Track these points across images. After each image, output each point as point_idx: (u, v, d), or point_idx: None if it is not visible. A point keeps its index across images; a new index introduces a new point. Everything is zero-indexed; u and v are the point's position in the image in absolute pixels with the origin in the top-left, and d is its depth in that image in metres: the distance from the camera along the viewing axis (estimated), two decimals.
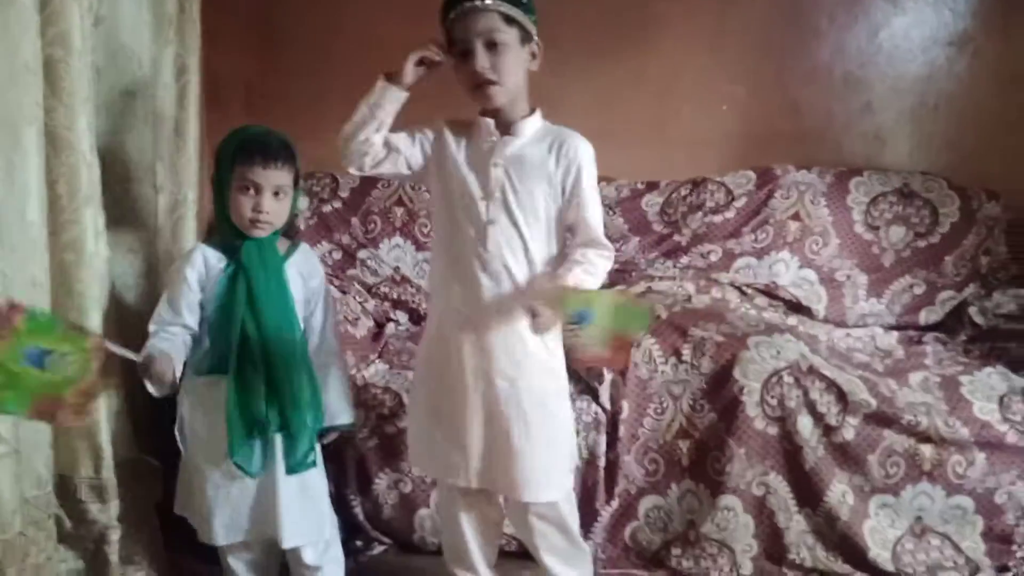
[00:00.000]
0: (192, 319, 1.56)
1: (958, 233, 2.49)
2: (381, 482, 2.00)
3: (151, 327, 1.54)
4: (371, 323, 2.40)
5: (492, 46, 1.46)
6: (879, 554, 1.93)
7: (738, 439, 1.96)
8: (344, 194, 2.59)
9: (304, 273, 1.68)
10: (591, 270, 1.51)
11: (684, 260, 2.54)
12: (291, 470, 1.58)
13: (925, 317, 2.47)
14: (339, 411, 1.68)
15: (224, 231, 1.60)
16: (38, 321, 1.29)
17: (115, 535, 1.65)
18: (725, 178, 2.62)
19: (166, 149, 2.17)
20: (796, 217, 2.53)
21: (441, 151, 1.56)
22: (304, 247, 1.73)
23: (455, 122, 1.59)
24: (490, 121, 1.53)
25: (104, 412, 1.61)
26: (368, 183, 2.60)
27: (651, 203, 2.64)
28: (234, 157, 1.54)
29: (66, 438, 1.59)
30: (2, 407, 1.29)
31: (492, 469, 1.56)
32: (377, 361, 2.12)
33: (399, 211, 2.57)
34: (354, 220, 2.56)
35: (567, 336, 1.47)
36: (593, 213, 1.55)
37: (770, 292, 2.48)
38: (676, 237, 2.58)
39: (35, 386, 1.29)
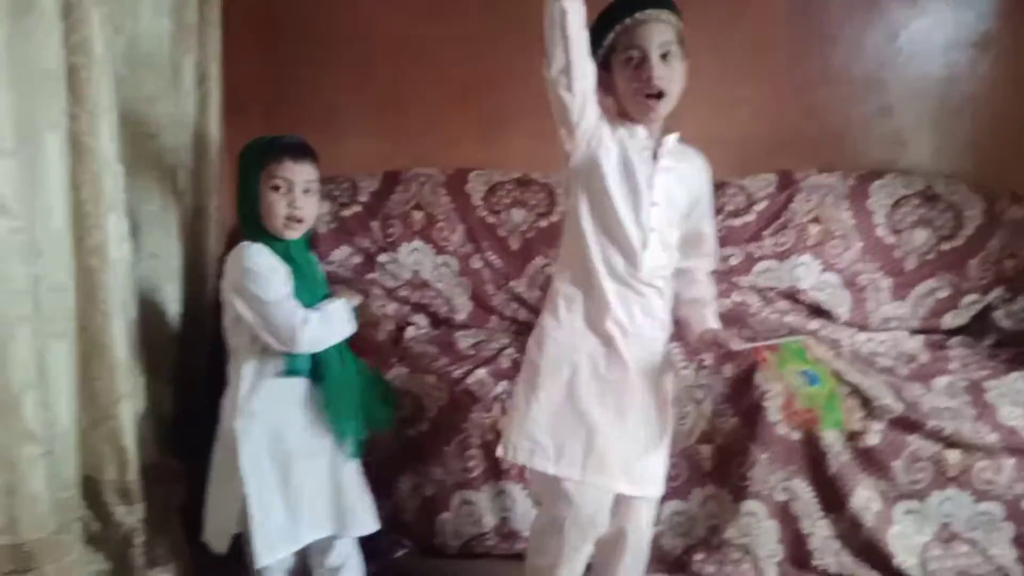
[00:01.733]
0: None
1: (982, 236, 2.46)
2: (403, 485, 2.00)
3: (302, 317, 1.51)
4: (391, 326, 2.40)
5: (664, 57, 1.45)
6: (905, 560, 1.91)
7: (761, 444, 1.94)
8: (363, 198, 2.59)
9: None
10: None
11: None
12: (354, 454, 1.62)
13: (950, 321, 2.44)
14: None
15: (265, 240, 1.57)
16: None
17: (140, 538, 1.65)
18: (745, 181, 2.60)
19: (187, 156, 2.19)
20: (817, 220, 2.51)
21: (605, 142, 1.49)
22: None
23: (609, 117, 1.53)
24: (643, 129, 1.52)
25: (129, 415, 1.62)
26: (388, 186, 2.61)
27: None
28: (262, 159, 1.55)
29: (92, 440, 1.60)
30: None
31: (638, 467, 1.54)
32: (398, 365, 2.12)
33: (418, 215, 2.57)
34: (373, 224, 2.56)
35: (791, 383, 1.48)
36: (713, 227, 1.65)
37: (792, 296, 2.46)
38: None
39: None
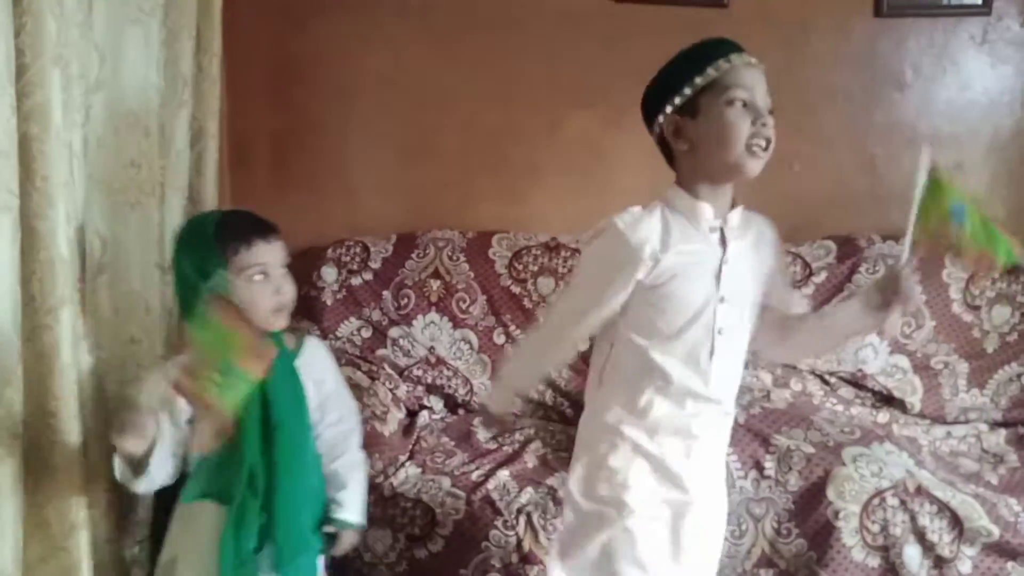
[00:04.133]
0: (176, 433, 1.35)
1: None
2: None
3: None
4: (402, 414, 2.14)
5: (770, 112, 1.22)
6: None
7: (832, 572, 1.66)
8: (375, 264, 2.34)
9: (316, 375, 1.46)
10: None
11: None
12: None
13: None
14: (350, 507, 1.44)
15: None
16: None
17: None
18: (801, 248, 2.33)
19: (178, 222, 1.96)
20: None
21: (657, 258, 1.24)
22: (312, 341, 1.51)
23: (648, 217, 1.26)
24: (708, 207, 1.25)
25: (84, 547, 1.36)
26: (403, 251, 2.36)
27: None
28: (223, 248, 1.32)
29: None
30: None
31: None
32: (408, 464, 1.86)
33: (435, 284, 2.31)
34: (385, 294, 2.31)
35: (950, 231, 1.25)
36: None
37: (857, 382, 2.17)
38: None
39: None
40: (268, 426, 1.35)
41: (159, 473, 1.32)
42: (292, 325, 1.46)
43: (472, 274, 2.32)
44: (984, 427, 2.14)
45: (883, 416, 2.09)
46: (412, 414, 2.19)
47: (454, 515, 1.72)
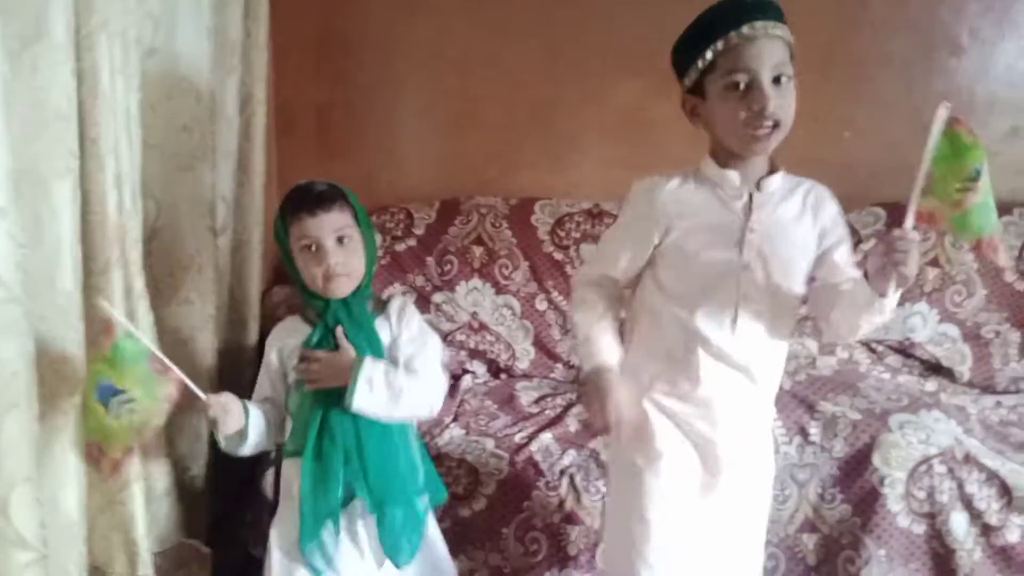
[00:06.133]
0: (274, 392, 1.46)
1: None
2: None
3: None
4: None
5: (777, 81, 1.19)
6: None
7: (877, 538, 1.65)
8: (419, 231, 2.36)
9: (396, 329, 1.46)
10: None
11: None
12: (396, 562, 1.38)
13: None
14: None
15: (312, 305, 1.44)
16: (126, 350, 1.22)
17: None
18: (850, 216, 2.27)
19: (228, 186, 2.01)
20: (935, 263, 2.18)
21: (671, 215, 1.28)
22: (396, 303, 1.51)
23: (664, 180, 1.31)
24: (735, 175, 1.26)
25: (139, 500, 1.42)
26: (446, 217, 2.38)
27: None
28: (285, 220, 1.39)
29: (101, 528, 1.40)
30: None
31: None
32: (452, 426, 1.89)
33: (478, 250, 2.33)
34: (429, 260, 2.33)
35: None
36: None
37: (905, 350, 2.14)
38: None
39: (93, 427, 1.26)
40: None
41: (260, 439, 1.42)
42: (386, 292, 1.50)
43: (515, 240, 2.32)
44: None
45: (931, 385, 2.05)
46: (455, 378, 2.21)
47: (497, 475, 1.75)
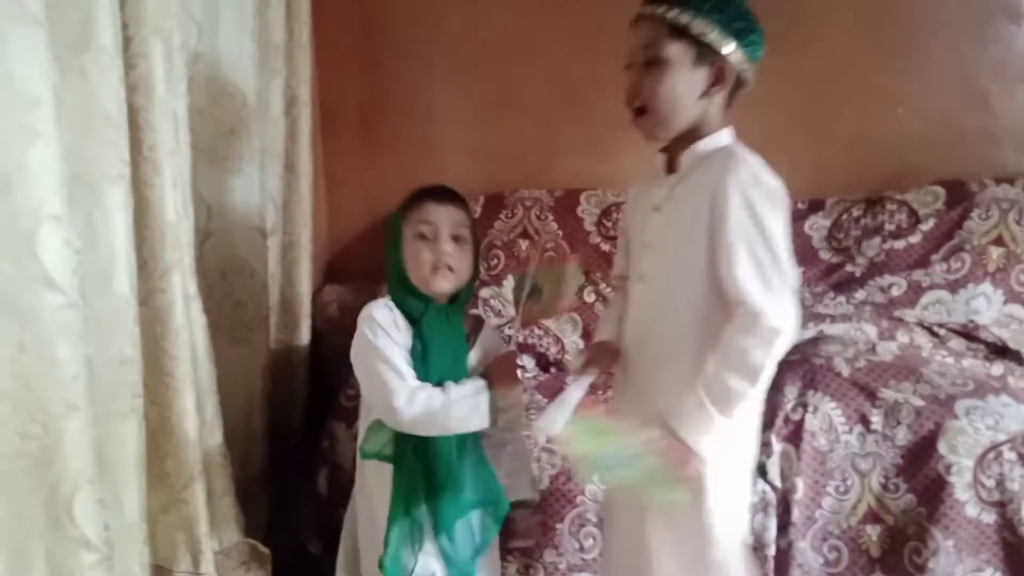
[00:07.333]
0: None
1: None
2: (508, 569, 1.74)
3: (412, 387, 1.28)
4: None
5: (651, 64, 1.17)
6: None
7: (944, 528, 1.59)
8: None
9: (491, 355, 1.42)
10: (730, 363, 1.12)
11: (860, 295, 2.15)
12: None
13: None
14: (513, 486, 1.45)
15: (406, 300, 1.37)
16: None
17: None
18: (907, 195, 2.22)
19: (276, 188, 2.03)
20: (999, 242, 2.10)
21: (629, 210, 1.42)
22: (489, 325, 1.50)
23: (641, 180, 1.40)
24: (661, 156, 1.29)
25: (201, 498, 1.44)
26: (491, 212, 2.37)
27: (816, 226, 2.27)
28: (404, 210, 1.38)
29: (164, 526, 1.43)
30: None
31: None
32: None
33: (524, 244, 2.31)
34: None
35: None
36: (744, 266, 1.13)
37: (969, 333, 2.06)
38: (849, 267, 2.20)
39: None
40: None
41: None
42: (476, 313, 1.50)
43: (561, 233, 2.31)
44: None
45: (997, 368, 1.97)
46: None
47: (550, 470, 1.73)
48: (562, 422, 1.17)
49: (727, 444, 1.20)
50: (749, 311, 1.11)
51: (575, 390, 1.21)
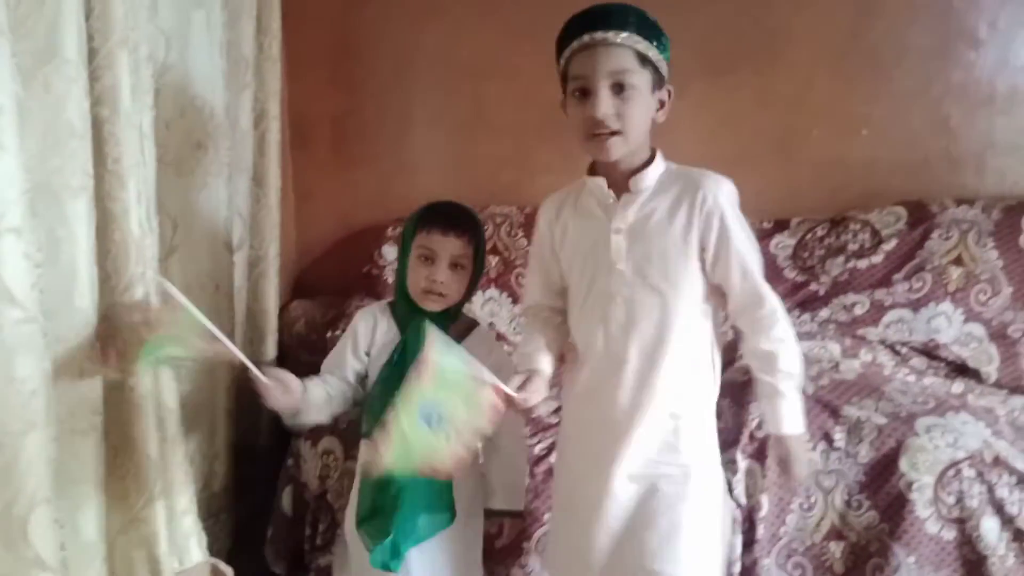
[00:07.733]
0: (351, 374, 1.47)
1: None
2: None
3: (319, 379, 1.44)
4: None
5: (619, 89, 1.19)
6: None
7: (906, 544, 1.62)
8: None
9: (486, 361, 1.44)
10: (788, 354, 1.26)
11: (823, 313, 2.18)
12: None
13: None
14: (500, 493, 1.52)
15: (400, 305, 1.47)
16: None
17: None
18: (870, 215, 2.26)
19: (244, 202, 2.01)
20: (958, 261, 2.14)
21: (556, 236, 1.37)
22: (480, 330, 1.53)
23: (555, 197, 1.40)
24: (601, 181, 1.28)
25: (161, 518, 1.41)
26: None
27: (781, 245, 2.31)
28: (416, 225, 1.43)
29: (122, 547, 1.40)
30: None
31: None
32: None
33: (493, 260, 2.32)
34: None
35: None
36: (755, 270, 1.26)
37: (930, 352, 2.10)
38: (813, 286, 2.24)
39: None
40: None
41: (318, 415, 1.42)
42: (470, 318, 1.53)
43: (529, 250, 2.31)
44: None
45: (957, 386, 2.01)
46: None
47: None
48: (448, 360, 1.15)
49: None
50: (770, 308, 1.26)
51: (492, 376, 1.19)
